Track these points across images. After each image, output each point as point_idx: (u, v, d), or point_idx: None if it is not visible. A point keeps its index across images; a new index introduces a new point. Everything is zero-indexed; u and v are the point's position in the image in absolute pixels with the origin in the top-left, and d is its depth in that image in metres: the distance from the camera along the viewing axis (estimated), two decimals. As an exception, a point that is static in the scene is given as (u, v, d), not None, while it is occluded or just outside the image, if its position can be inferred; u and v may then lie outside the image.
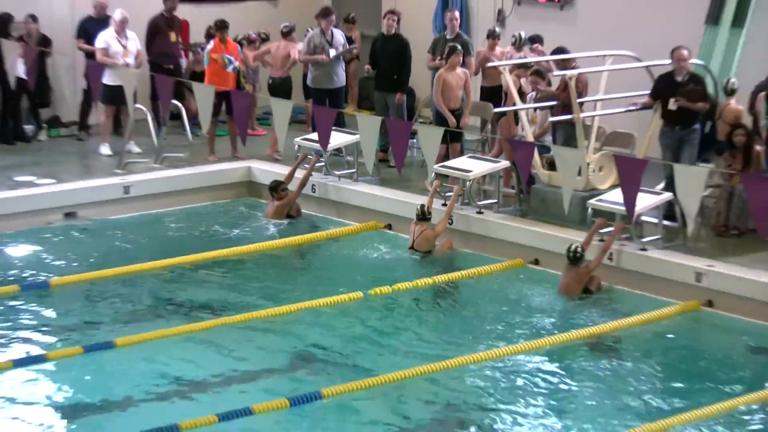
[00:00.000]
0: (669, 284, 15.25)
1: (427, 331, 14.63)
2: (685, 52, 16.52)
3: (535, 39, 19.40)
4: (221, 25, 19.80)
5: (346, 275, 16.20)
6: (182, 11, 21.11)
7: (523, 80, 17.98)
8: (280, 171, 18.52)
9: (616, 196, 14.95)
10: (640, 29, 19.00)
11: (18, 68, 18.61)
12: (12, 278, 15.72)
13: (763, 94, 16.49)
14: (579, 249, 15.24)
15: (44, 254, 16.80)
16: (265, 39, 20.94)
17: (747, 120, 16.62)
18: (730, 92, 16.87)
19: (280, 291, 15.53)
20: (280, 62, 20.23)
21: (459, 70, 18.34)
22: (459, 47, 18.51)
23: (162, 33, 20.74)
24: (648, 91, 17.20)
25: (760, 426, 12.23)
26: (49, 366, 13.29)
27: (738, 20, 18.25)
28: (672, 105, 16.42)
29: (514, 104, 17.67)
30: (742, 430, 12.12)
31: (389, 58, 19.51)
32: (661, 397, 13.03)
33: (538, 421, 12.40)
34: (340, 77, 20.05)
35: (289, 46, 20.06)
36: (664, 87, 16.63)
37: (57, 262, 16.43)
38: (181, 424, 11.54)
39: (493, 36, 19.60)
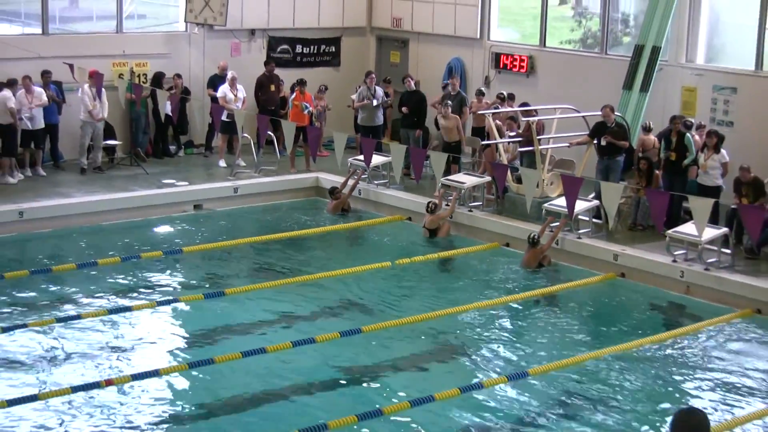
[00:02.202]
0: (595, 261, 15.16)
1: (432, 290, 14.60)
2: (609, 109, 16.49)
3: (511, 96, 19.30)
4: (301, 82, 19.73)
5: (379, 250, 16.14)
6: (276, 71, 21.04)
7: (497, 121, 17.84)
8: (338, 180, 18.43)
9: (562, 201, 14.86)
10: (579, 91, 18.85)
11: (167, 108, 18.58)
12: (158, 247, 15.72)
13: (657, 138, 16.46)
14: (536, 236, 15.15)
15: (180, 231, 16.81)
16: (326, 89, 20.82)
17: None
18: (649, 129, 16.78)
19: (334, 260, 15.46)
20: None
21: (452, 116, 18.22)
22: (454, 102, 18.55)
23: (265, 87, 20.66)
24: (582, 132, 17.17)
25: (655, 357, 12.20)
26: (180, 306, 13.35)
27: (644, 87, 18.11)
28: (603, 141, 16.37)
29: (494, 139, 17.58)
30: (643, 361, 12.08)
31: (412, 106, 19.39)
32: (587, 336, 13.06)
33: (504, 348, 12.46)
34: (380, 118, 19.93)
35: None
36: (598, 130, 16.54)
37: (188, 237, 16.43)
38: (267, 348, 11.57)
39: (479, 94, 19.46)
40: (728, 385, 11.57)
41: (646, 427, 10.55)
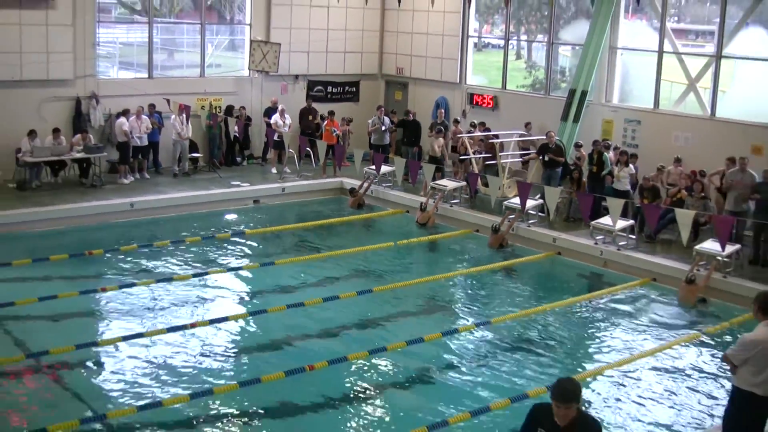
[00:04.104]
0: (539, 243, 15.15)
1: (423, 263, 14.65)
2: (552, 133, 16.54)
3: (482, 124, 19.31)
4: (331, 113, 19.80)
5: (385, 233, 16.13)
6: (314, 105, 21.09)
7: (470, 142, 17.86)
8: (356, 183, 18.42)
9: (516, 200, 14.91)
10: (529, 121, 18.84)
11: (235, 130, 18.59)
12: (228, 229, 15.78)
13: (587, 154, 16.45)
14: (497, 225, 15.20)
15: (243, 219, 16.81)
16: (351, 121, 20.84)
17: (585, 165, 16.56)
18: (579, 146, 16.81)
19: (352, 241, 15.45)
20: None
21: (442, 140, 18.29)
22: (441, 127, 18.54)
23: (305, 116, 20.68)
24: (532, 151, 17.19)
25: (581, 311, 12.24)
26: (243, 272, 13.38)
27: (576, 119, 18.09)
28: (546, 158, 16.38)
29: (468, 154, 17.61)
30: (573, 314, 12.14)
31: (410, 130, 19.47)
32: (533, 296, 13.05)
33: (473, 304, 12.47)
34: (387, 139, 19.89)
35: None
36: (543, 149, 16.56)
37: (249, 223, 16.45)
38: (305, 302, 11.63)
39: (456, 122, 19.46)
40: (631, 331, 11.65)
41: (569, 360, 10.66)
